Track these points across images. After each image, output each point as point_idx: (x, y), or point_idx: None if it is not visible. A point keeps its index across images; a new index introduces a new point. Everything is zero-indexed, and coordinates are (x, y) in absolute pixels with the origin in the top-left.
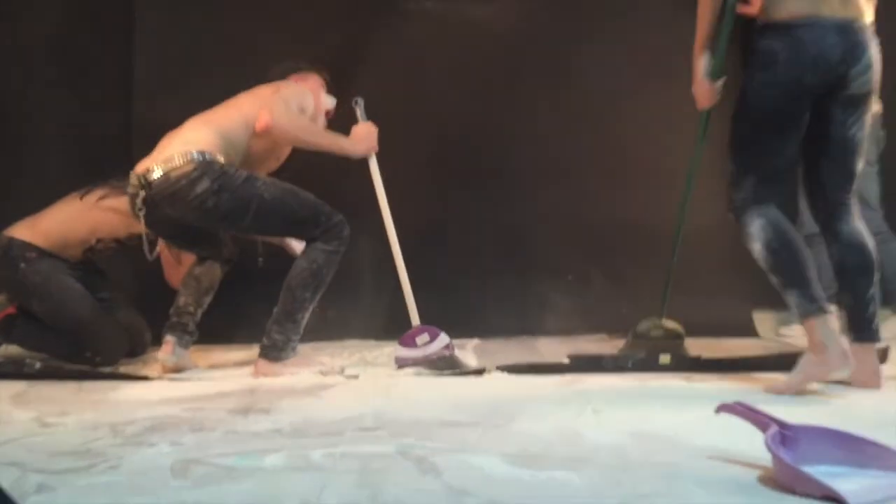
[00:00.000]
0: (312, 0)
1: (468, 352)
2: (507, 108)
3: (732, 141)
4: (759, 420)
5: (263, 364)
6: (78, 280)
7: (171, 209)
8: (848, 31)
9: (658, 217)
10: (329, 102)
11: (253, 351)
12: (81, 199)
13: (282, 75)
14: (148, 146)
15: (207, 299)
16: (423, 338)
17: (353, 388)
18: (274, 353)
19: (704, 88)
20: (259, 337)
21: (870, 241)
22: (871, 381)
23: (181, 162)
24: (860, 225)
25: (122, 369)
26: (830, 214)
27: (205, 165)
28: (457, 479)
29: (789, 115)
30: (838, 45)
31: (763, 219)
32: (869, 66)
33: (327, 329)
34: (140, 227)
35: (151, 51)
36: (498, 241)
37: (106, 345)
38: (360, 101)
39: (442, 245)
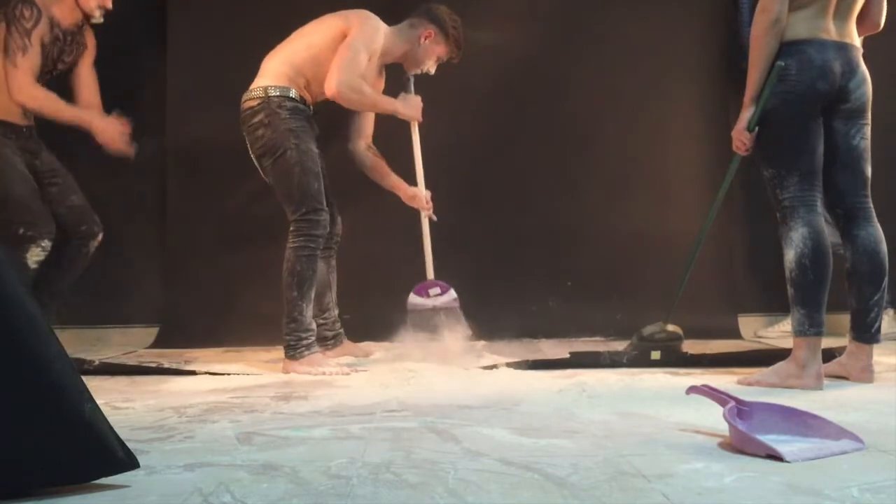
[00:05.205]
0: None
1: (478, 352)
2: (512, 126)
3: (766, 151)
4: (721, 398)
5: (288, 363)
6: (28, 166)
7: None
8: (843, 49)
9: (653, 229)
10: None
11: (278, 351)
12: None
13: None
14: (178, 166)
15: (326, 299)
16: (434, 290)
17: (376, 381)
18: (291, 352)
19: (745, 137)
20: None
21: (882, 248)
22: (863, 377)
23: (251, 96)
24: (876, 230)
25: (167, 364)
26: (849, 219)
27: (265, 102)
28: (473, 444)
29: (809, 117)
30: (837, 58)
31: (807, 228)
32: (864, 80)
33: (346, 332)
34: None
35: (181, 82)
36: (503, 251)
37: (36, 218)
38: (412, 77)
39: (453, 254)
